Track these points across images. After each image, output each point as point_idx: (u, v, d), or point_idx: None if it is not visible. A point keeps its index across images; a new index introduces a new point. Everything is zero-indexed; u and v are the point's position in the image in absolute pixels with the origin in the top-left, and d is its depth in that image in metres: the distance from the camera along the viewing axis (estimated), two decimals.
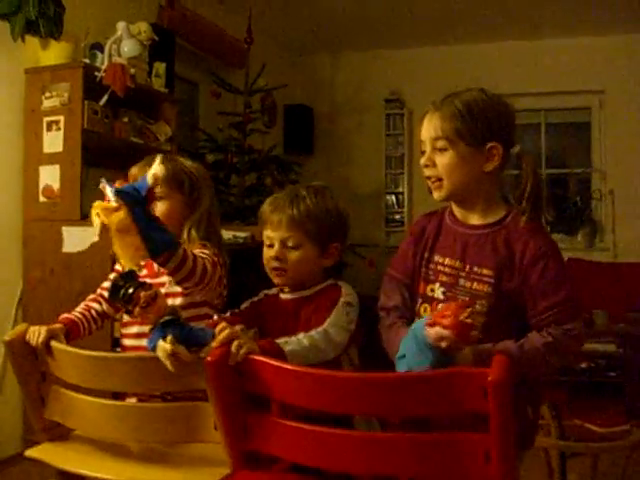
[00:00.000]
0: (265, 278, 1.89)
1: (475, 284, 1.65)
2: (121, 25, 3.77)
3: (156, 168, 2.02)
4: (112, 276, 2.17)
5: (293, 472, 1.54)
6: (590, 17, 5.98)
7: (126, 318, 2.15)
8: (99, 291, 2.22)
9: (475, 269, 1.67)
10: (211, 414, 1.56)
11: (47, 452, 1.86)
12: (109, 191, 1.68)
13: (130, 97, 3.80)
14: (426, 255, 1.77)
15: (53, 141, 3.63)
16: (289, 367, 1.43)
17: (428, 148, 1.70)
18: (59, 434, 1.91)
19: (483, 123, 1.66)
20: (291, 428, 1.46)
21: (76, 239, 3.48)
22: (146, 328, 2.03)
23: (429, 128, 1.70)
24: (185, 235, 2.15)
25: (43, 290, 3.60)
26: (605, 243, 6.61)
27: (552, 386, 4.42)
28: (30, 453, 1.86)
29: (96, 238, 1.66)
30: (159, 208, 2.13)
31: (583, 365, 4.76)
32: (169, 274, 1.83)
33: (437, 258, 1.74)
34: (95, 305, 2.19)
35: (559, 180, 7.17)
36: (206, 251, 2.05)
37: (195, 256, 1.85)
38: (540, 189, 1.68)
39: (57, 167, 3.62)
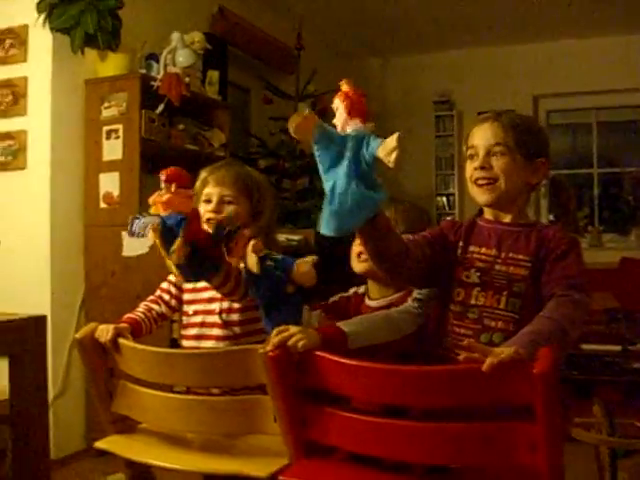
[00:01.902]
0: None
1: (512, 268, 1.71)
2: (175, 36, 3.88)
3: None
4: (171, 278, 2.26)
5: (351, 461, 1.60)
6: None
7: (185, 320, 2.24)
8: (158, 292, 2.29)
9: (511, 255, 1.73)
10: (271, 407, 1.63)
11: (115, 444, 1.94)
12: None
13: (185, 105, 3.91)
14: (461, 244, 1.81)
15: (112, 149, 3.75)
16: (346, 361, 1.48)
17: (482, 153, 1.76)
18: (126, 427, 1.99)
19: (537, 139, 1.79)
20: (348, 419, 1.52)
21: (135, 243, 3.57)
22: (206, 330, 2.14)
23: (486, 135, 1.77)
24: None
25: (104, 292, 3.73)
26: None
27: (606, 385, 4.42)
28: (99, 445, 1.94)
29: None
30: (226, 211, 2.17)
31: (636, 365, 4.72)
32: (214, 288, 1.97)
33: (472, 248, 1.79)
34: (155, 306, 2.25)
35: (612, 180, 7.11)
36: None
37: (240, 273, 1.90)
38: (576, 211, 1.88)
39: (116, 174, 3.74)
